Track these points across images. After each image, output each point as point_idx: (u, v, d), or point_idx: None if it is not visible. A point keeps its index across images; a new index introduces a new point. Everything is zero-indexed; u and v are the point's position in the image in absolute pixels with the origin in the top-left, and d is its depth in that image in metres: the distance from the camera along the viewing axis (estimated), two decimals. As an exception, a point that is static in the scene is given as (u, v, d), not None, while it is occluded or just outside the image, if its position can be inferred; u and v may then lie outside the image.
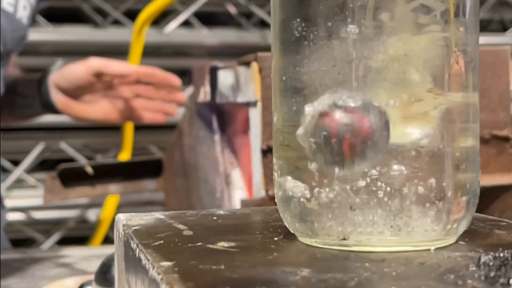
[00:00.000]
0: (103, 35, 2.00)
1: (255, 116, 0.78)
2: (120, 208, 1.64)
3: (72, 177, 1.15)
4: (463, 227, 0.43)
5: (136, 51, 1.56)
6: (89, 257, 0.95)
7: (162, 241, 0.44)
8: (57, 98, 1.15)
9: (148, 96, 1.15)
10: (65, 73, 1.15)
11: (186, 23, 2.05)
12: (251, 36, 2.08)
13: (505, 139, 0.82)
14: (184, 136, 1.01)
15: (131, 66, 1.18)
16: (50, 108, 1.17)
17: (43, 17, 1.94)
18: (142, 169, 1.18)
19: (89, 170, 1.16)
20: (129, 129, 1.58)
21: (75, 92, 1.15)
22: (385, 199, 0.40)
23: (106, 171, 1.18)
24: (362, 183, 0.41)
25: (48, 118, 1.38)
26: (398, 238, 0.41)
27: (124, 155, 1.59)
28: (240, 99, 0.80)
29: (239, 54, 0.89)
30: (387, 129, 0.40)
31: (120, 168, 1.18)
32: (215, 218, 0.51)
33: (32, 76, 1.21)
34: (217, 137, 0.87)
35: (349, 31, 0.41)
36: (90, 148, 2.03)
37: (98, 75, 1.12)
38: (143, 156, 1.35)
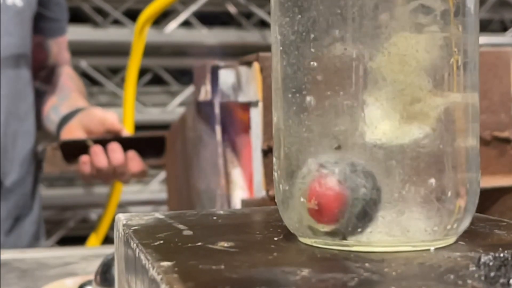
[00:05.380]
0: (103, 35, 2.01)
1: (256, 116, 0.78)
2: (120, 208, 1.64)
3: (73, 150, 1.15)
4: (463, 227, 0.43)
5: (137, 51, 1.56)
6: (89, 257, 0.95)
7: (162, 241, 0.44)
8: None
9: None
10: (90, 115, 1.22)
11: (186, 23, 2.06)
12: (251, 36, 2.08)
13: (506, 140, 0.82)
14: (187, 128, 1.00)
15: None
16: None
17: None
18: (144, 145, 1.17)
19: (91, 144, 1.15)
20: (129, 127, 1.58)
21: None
22: (385, 199, 0.40)
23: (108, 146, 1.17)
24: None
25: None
26: (398, 238, 0.41)
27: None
28: (241, 98, 0.80)
29: (239, 54, 0.89)
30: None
31: (122, 143, 1.17)
32: (215, 218, 0.51)
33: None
34: (217, 137, 0.87)
35: (349, 31, 0.41)
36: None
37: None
38: (146, 132, 1.33)
